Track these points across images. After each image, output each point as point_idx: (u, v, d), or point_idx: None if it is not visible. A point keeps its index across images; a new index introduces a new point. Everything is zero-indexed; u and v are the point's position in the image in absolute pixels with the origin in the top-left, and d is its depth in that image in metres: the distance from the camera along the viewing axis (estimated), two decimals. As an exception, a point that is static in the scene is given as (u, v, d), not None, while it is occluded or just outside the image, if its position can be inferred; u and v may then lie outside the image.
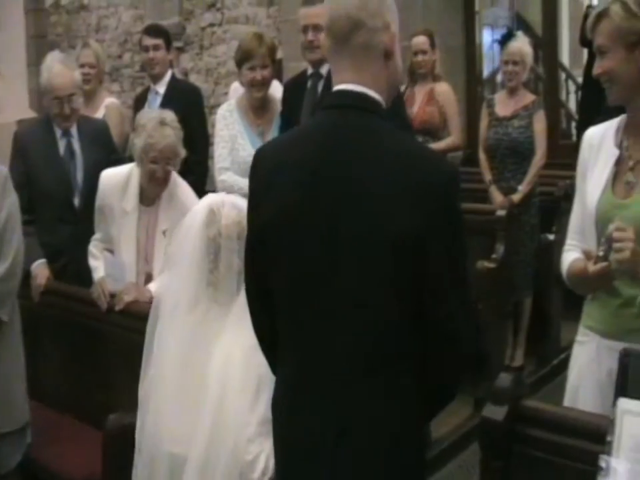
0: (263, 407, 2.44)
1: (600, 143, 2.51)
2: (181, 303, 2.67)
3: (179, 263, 2.69)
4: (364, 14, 1.90)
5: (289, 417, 2.03)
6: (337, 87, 1.96)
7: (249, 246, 2.12)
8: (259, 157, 2.08)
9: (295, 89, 4.42)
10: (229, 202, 2.65)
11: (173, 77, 5.40)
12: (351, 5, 1.91)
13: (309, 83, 4.32)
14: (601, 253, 2.27)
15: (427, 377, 1.94)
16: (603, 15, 2.35)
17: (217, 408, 2.53)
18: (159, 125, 3.66)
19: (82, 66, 5.35)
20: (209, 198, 2.73)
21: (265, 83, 4.43)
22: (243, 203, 2.37)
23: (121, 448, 3.07)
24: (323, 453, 1.94)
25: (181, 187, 3.83)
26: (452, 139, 5.69)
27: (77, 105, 4.30)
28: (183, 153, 3.74)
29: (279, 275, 2.00)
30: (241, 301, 2.40)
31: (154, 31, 5.49)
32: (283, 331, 2.05)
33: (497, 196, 5.37)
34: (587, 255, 2.35)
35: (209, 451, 2.50)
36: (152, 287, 3.61)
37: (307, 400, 1.98)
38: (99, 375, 3.69)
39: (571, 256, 2.54)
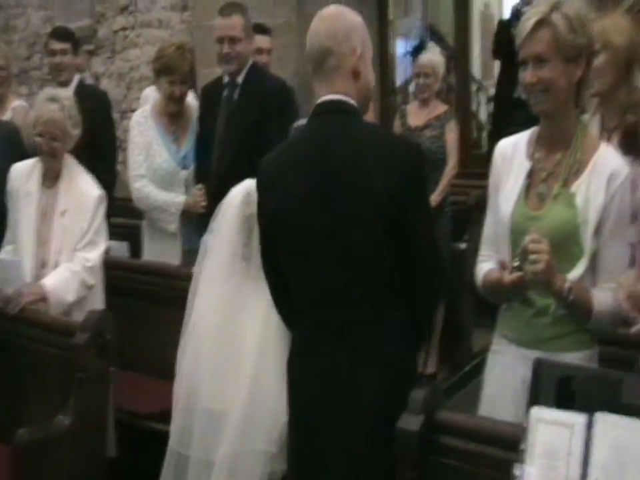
0: None
1: (512, 155, 2.54)
2: (217, 273, 2.98)
3: (217, 238, 3.00)
4: (332, 43, 2.37)
5: (305, 360, 2.49)
6: (319, 100, 2.43)
7: (263, 235, 2.59)
8: (264, 162, 2.58)
9: (211, 95, 4.42)
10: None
11: (81, 83, 5.28)
12: (323, 36, 2.38)
13: (225, 92, 4.32)
14: (515, 264, 2.31)
15: (411, 305, 2.40)
16: (543, 22, 2.35)
17: (254, 371, 2.82)
18: (47, 100, 3.76)
19: None
20: (247, 181, 3.04)
21: (183, 98, 4.45)
22: None
23: (30, 463, 2.99)
24: (337, 376, 2.39)
25: (81, 174, 3.87)
26: None
27: None
28: (73, 131, 3.79)
29: (290, 250, 2.48)
30: None
31: (61, 34, 5.35)
32: (296, 296, 2.51)
33: None
34: (502, 265, 2.39)
35: (249, 410, 2.79)
36: (47, 281, 3.63)
37: (319, 342, 2.43)
38: (7, 388, 3.58)
39: (485, 266, 2.57)
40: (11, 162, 4.21)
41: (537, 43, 2.36)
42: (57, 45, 5.21)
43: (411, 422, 2.20)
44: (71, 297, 3.65)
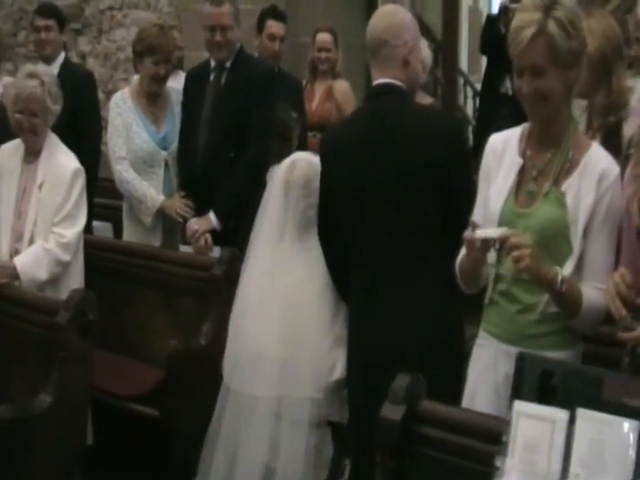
0: (339, 327, 3.08)
1: (503, 150, 2.54)
2: (264, 234, 3.23)
3: (266, 204, 3.25)
4: (387, 36, 2.83)
5: (364, 311, 2.90)
6: (375, 82, 2.89)
7: (322, 200, 3.01)
8: (327, 135, 3.32)
9: (197, 80, 4.41)
10: (306, 158, 3.22)
11: (66, 60, 5.23)
12: (380, 30, 2.86)
13: (212, 75, 4.30)
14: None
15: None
16: (538, 34, 2.32)
17: (292, 319, 3.09)
18: (26, 77, 3.77)
19: None
20: (295, 153, 3.37)
21: (167, 78, 4.46)
22: (316, 160, 3.11)
23: (8, 440, 2.99)
24: (392, 323, 2.82)
25: (61, 150, 3.87)
26: None
27: None
28: (53, 107, 3.79)
29: (347, 212, 2.91)
30: (313, 240, 3.09)
31: (46, 10, 5.31)
32: (351, 254, 2.93)
33: None
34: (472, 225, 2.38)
35: (294, 358, 3.05)
36: (18, 260, 3.63)
37: (374, 295, 2.86)
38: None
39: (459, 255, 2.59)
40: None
41: (534, 54, 2.34)
42: (41, 22, 5.17)
43: (392, 411, 2.21)
44: (43, 274, 3.63)
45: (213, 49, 4.27)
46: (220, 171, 4.17)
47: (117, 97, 4.55)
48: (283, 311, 3.11)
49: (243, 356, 3.16)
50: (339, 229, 2.96)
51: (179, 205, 4.31)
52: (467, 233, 2.35)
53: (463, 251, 2.52)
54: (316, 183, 3.06)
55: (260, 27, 5.22)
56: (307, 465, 3.06)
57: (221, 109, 4.24)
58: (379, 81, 2.87)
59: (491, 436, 2.06)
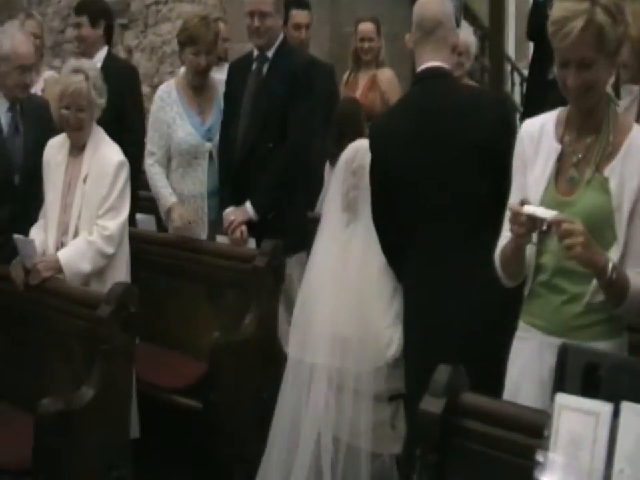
0: (397, 305, 3.18)
1: (540, 136, 2.46)
2: (331, 219, 3.39)
3: (330, 190, 3.46)
4: (443, 17, 2.91)
5: (419, 289, 2.99)
6: (423, 66, 2.94)
7: (375, 182, 3.09)
8: (378, 117, 3.58)
9: (239, 70, 4.38)
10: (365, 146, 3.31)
11: (109, 55, 5.21)
12: (436, 10, 2.91)
13: (254, 65, 4.28)
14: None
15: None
16: (588, 25, 2.22)
17: (357, 298, 3.23)
18: (71, 72, 3.78)
19: None
20: (357, 141, 3.45)
21: (209, 69, 4.43)
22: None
23: (53, 433, 3.00)
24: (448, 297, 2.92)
25: (106, 142, 3.88)
26: None
27: (33, 78, 4.21)
28: (99, 101, 3.79)
29: (401, 193, 2.98)
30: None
31: (79, 7, 5.31)
32: (406, 237, 3.00)
33: None
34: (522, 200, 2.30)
35: (356, 331, 3.18)
36: (61, 253, 3.64)
37: (430, 272, 2.96)
38: (32, 358, 3.60)
39: (501, 244, 2.51)
40: (40, 135, 4.23)
41: (583, 47, 2.24)
42: (75, 19, 5.25)
43: (433, 404, 2.17)
44: (86, 266, 3.63)
45: (252, 35, 4.23)
46: (258, 162, 4.14)
47: (161, 90, 4.55)
48: (350, 290, 3.24)
49: (311, 332, 3.29)
50: (394, 211, 3.04)
51: (186, 212, 4.27)
52: (514, 205, 2.28)
53: (503, 241, 2.47)
54: (364, 168, 3.20)
55: (284, 17, 5.13)
56: (379, 438, 3.17)
57: (261, 99, 4.21)
58: (428, 64, 2.94)
59: (533, 429, 2.01)
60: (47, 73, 5.34)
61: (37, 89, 5.14)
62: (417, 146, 2.85)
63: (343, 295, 3.25)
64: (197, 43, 4.33)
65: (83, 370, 3.29)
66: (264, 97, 4.18)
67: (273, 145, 4.14)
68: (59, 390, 3.30)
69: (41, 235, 3.84)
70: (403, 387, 3.15)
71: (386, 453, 3.20)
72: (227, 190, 4.29)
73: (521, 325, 2.52)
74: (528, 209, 2.24)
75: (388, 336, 3.17)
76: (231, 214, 4.18)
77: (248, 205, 4.16)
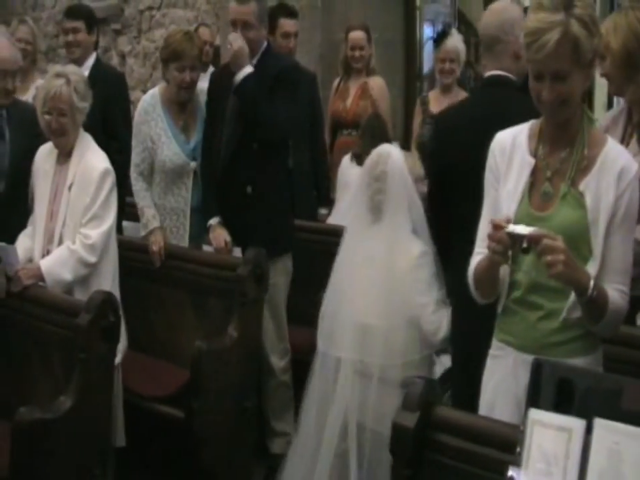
0: (436, 292, 3.40)
1: (512, 149, 2.42)
2: (358, 219, 3.58)
3: (353, 193, 3.71)
4: (500, 32, 3.06)
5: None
6: (487, 73, 3.16)
7: (433, 181, 3.32)
8: (441, 119, 3.53)
9: (220, 79, 4.30)
10: (388, 151, 3.56)
11: (97, 62, 5.17)
12: (493, 26, 3.09)
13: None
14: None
15: None
16: (563, 38, 2.18)
17: (391, 290, 3.39)
18: (53, 76, 3.75)
19: (18, 41, 5.17)
20: (381, 146, 3.65)
21: (194, 85, 4.35)
22: (396, 151, 3.57)
23: (30, 441, 2.98)
24: None
25: (92, 149, 3.83)
26: None
27: (17, 84, 4.16)
28: (81, 105, 3.74)
29: (458, 192, 3.06)
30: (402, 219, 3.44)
31: (74, 12, 5.25)
32: (458, 226, 3.06)
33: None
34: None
35: (388, 322, 3.34)
36: (43, 262, 3.62)
37: None
38: (11, 365, 3.57)
39: (473, 262, 2.47)
40: (26, 142, 4.21)
41: (559, 60, 2.21)
42: (69, 24, 5.14)
43: (406, 418, 2.15)
44: (67, 275, 3.60)
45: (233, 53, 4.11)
46: (244, 163, 4.11)
47: (146, 101, 4.44)
48: (383, 283, 3.39)
49: (339, 325, 3.44)
50: (448, 201, 3.14)
51: (162, 241, 4.23)
52: (498, 221, 2.22)
53: (476, 258, 2.44)
54: (390, 172, 3.45)
55: (272, 26, 5.07)
56: None
57: (243, 101, 4.09)
58: (491, 72, 3.14)
59: (506, 444, 2.00)
60: (39, 81, 5.30)
61: (28, 96, 5.13)
62: (474, 147, 2.77)
63: (370, 289, 3.39)
64: (181, 58, 4.25)
65: (63, 379, 3.26)
66: (247, 97, 4.08)
67: (258, 146, 4.11)
68: (39, 398, 3.28)
69: (27, 243, 3.82)
70: (426, 374, 3.31)
71: None
72: (211, 200, 4.24)
73: (495, 342, 2.48)
74: (509, 228, 2.18)
75: (436, 320, 3.36)
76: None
77: None
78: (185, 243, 4.34)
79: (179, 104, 4.36)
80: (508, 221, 2.21)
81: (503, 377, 2.42)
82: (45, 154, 3.90)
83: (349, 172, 5.21)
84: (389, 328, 3.34)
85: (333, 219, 5.18)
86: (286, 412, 4.32)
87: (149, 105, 4.40)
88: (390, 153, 3.53)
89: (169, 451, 3.82)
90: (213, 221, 4.17)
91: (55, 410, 3.09)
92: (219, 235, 4.13)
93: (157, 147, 4.32)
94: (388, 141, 5.12)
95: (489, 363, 2.49)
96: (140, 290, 4.15)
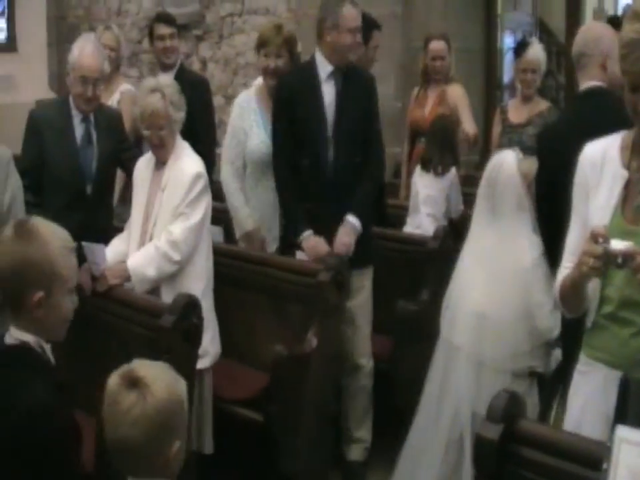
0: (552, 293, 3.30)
1: (603, 162, 2.39)
2: (477, 219, 3.70)
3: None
4: (585, 49, 3.39)
5: None
6: (583, 85, 3.45)
7: (540, 187, 3.46)
8: (544, 132, 3.89)
9: (302, 81, 4.28)
10: (508, 158, 3.63)
11: (182, 67, 5.32)
12: (578, 44, 3.43)
13: (327, 78, 4.17)
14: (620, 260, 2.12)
15: None
16: None
17: (514, 285, 3.47)
18: (148, 92, 3.82)
19: (103, 47, 5.34)
20: (503, 153, 3.75)
21: (278, 72, 4.41)
22: (510, 158, 3.60)
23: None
24: None
25: (187, 154, 3.89)
26: (469, 126, 5.70)
27: (99, 91, 4.29)
28: (177, 115, 3.82)
29: (560, 199, 2.85)
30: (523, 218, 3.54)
31: (169, 19, 5.43)
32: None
33: None
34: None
35: (505, 312, 3.43)
36: (130, 261, 3.69)
37: None
38: (94, 364, 3.64)
39: (561, 276, 2.44)
40: (112, 146, 4.34)
41: None
42: (166, 30, 5.28)
43: (490, 431, 2.14)
44: (152, 272, 3.65)
45: (350, 51, 4.18)
46: (350, 177, 4.15)
47: (241, 97, 4.61)
48: (506, 278, 3.48)
49: (464, 315, 3.56)
50: (554, 208, 3.12)
51: (257, 242, 4.39)
52: (597, 234, 2.16)
53: (563, 272, 2.42)
54: (516, 179, 3.52)
55: (366, 37, 5.10)
56: None
57: (346, 116, 4.16)
58: (584, 85, 3.44)
59: (592, 461, 1.97)
60: (124, 86, 5.44)
61: (113, 101, 5.27)
62: (574, 156, 2.74)
63: (491, 281, 3.52)
64: (266, 45, 4.41)
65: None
66: (349, 112, 4.14)
67: (359, 160, 4.16)
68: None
69: (120, 247, 3.91)
70: (539, 365, 3.47)
71: None
72: (299, 214, 4.18)
73: (583, 358, 2.44)
74: (605, 244, 2.13)
75: (551, 322, 3.42)
76: (345, 235, 4.11)
77: (355, 220, 4.12)
78: (276, 233, 4.42)
79: (271, 96, 4.41)
80: (604, 236, 2.16)
81: (591, 394, 2.38)
82: (144, 164, 4.00)
83: (417, 180, 5.25)
84: (504, 319, 3.43)
85: (410, 228, 5.20)
86: (365, 418, 4.34)
87: (243, 100, 4.55)
88: (504, 160, 3.62)
89: (247, 455, 3.85)
90: (307, 234, 4.12)
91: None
92: (317, 243, 4.11)
93: (247, 137, 4.42)
94: (454, 144, 5.29)
95: (577, 379, 2.45)
96: (220, 293, 4.20)
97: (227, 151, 4.52)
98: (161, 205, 3.78)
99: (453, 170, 5.24)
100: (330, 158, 4.13)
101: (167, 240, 3.67)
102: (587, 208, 2.41)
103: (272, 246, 4.50)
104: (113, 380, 2.03)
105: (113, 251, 3.84)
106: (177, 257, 3.68)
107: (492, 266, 3.55)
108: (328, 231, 4.11)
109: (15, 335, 2.31)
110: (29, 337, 2.30)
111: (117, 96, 5.36)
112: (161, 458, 1.99)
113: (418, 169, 5.31)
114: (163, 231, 3.72)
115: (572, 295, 2.40)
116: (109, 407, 2.00)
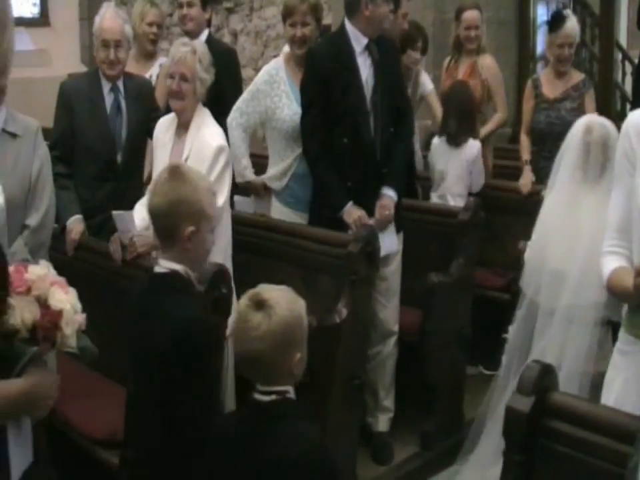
0: None
1: None
2: (566, 177, 3.67)
3: (565, 155, 3.70)
4: None
5: None
6: None
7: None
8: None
9: (334, 49, 4.20)
10: (600, 121, 3.65)
11: (210, 37, 5.22)
12: None
13: (362, 50, 4.12)
14: None
15: None
16: None
17: (589, 242, 3.38)
18: (180, 44, 3.87)
19: (150, 24, 5.38)
20: (587, 116, 3.85)
21: (305, 40, 4.38)
22: (609, 123, 3.62)
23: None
24: None
25: (209, 124, 3.87)
26: (499, 115, 5.68)
27: (122, 55, 4.27)
28: (203, 75, 3.80)
29: None
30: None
31: None
32: None
33: (527, 175, 5.24)
34: (637, 272, 2.13)
35: (587, 268, 3.37)
36: None
37: None
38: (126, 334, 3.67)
39: (611, 262, 2.37)
40: (141, 114, 4.34)
41: None
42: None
43: (520, 403, 2.12)
44: None
45: (387, 21, 4.22)
46: (386, 148, 4.14)
47: (270, 65, 4.57)
48: (586, 234, 3.44)
49: (545, 272, 3.61)
50: None
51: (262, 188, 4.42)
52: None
53: (611, 261, 2.38)
54: (611, 141, 3.46)
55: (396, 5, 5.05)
56: (589, 359, 3.41)
57: (384, 87, 4.13)
58: None
59: (626, 435, 1.94)
60: (162, 59, 5.42)
61: (152, 73, 5.27)
62: None
63: (573, 239, 3.52)
64: (292, 14, 4.38)
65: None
66: (384, 85, 4.12)
67: (393, 130, 4.15)
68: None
69: (144, 212, 3.89)
70: (614, 314, 3.34)
71: (595, 370, 3.36)
72: (339, 186, 4.13)
73: (624, 336, 2.40)
74: None
75: None
76: (383, 209, 4.10)
77: (391, 192, 4.12)
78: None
79: (300, 66, 4.38)
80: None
81: (633, 373, 2.33)
82: (165, 125, 3.97)
83: (434, 153, 5.21)
84: (584, 271, 3.42)
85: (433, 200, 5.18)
86: (391, 387, 4.36)
87: (272, 68, 4.51)
88: (606, 123, 3.62)
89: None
90: (348, 206, 4.08)
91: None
92: (362, 216, 4.07)
93: (275, 107, 4.39)
94: (469, 112, 5.22)
95: (616, 359, 2.41)
96: (249, 264, 4.19)
97: (240, 102, 4.51)
98: None
99: (476, 144, 5.18)
100: (370, 134, 4.09)
101: None
102: (633, 179, 2.34)
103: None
104: (243, 302, 2.33)
105: (137, 217, 3.85)
106: None
107: (591, 224, 3.44)
108: (368, 204, 4.10)
109: (165, 264, 2.67)
110: (177, 267, 2.65)
111: (156, 69, 5.36)
112: (284, 367, 2.30)
113: (435, 141, 5.26)
114: None
115: (625, 297, 2.37)
116: (239, 325, 2.32)
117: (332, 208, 4.13)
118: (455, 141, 5.16)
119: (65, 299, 2.11)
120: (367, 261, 3.84)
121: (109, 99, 4.31)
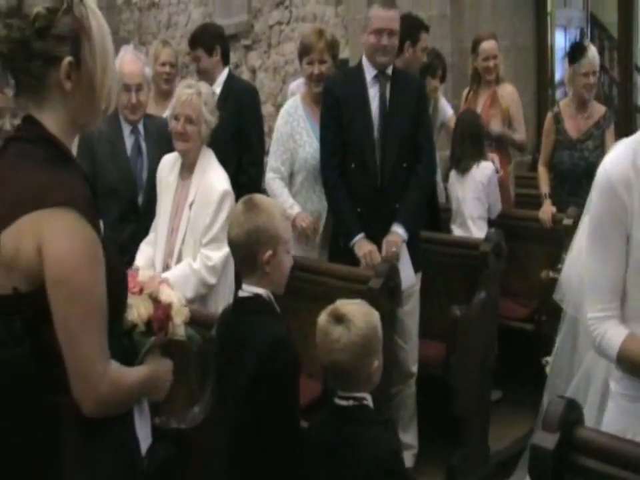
0: None
1: (637, 180, 2.13)
2: None
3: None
4: None
5: None
6: None
7: None
8: None
9: (346, 86, 4.24)
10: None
11: (229, 76, 5.25)
12: None
13: (373, 82, 4.16)
14: None
15: None
16: None
17: None
18: (185, 86, 3.85)
19: (163, 64, 5.41)
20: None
21: (322, 78, 4.40)
22: None
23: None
24: None
25: (214, 168, 3.87)
26: (518, 136, 5.63)
27: (143, 97, 4.31)
28: (208, 117, 3.80)
29: None
30: None
31: (192, 41, 5.36)
32: None
33: (548, 208, 5.18)
34: None
35: None
36: (169, 274, 3.63)
37: None
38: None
39: (616, 332, 2.22)
40: (161, 155, 4.35)
41: None
42: (192, 53, 5.37)
43: (546, 439, 2.07)
44: (189, 292, 3.63)
45: (377, 52, 4.10)
46: (398, 184, 4.13)
47: (288, 104, 4.58)
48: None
49: (580, 287, 3.54)
50: None
51: (307, 224, 4.33)
52: None
53: (612, 327, 2.24)
54: None
55: (414, 40, 5.07)
56: None
57: (393, 120, 4.14)
58: None
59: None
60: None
61: (167, 113, 5.31)
62: None
63: None
64: (310, 51, 4.41)
65: (198, 390, 3.32)
66: (396, 117, 4.12)
67: (407, 165, 4.13)
68: (175, 404, 3.35)
69: (148, 251, 3.94)
70: None
71: None
72: (354, 216, 4.14)
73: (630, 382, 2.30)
74: None
75: None
76: (389, 246, 4.07)
77: (400, 229, 4.09)
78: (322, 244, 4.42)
79: (318, 104, 4.38)
80: None
81: None
82: (169, 165, 3.98)
83: (452, 183, 5.20)
84: None
85: (456, 232, 5.14)
86: (412, 424, 4.34)
87: (290, 107, 4.53)
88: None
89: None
90: (358, 238, 4.10)
91: (190, 420, 3.16)
92: (372, 251, 4.06)
93: (298, 145, 4.40)
94: (476, 136, 5.16)
95: (624, 405, 2.33)
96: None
97: (273, 158, 4.49)
98: (189, 221, 3.79)
99: (488, 164, 5.13)
100: (376, 162, 4.10)
101: (205, 265, 3.71)
102: (623, 240, 2.18)
103: (324, 253, 4.48)
104: (323, 317, 2.59)
105: (142, 256, 3.87)
106: (213, 281, 3.76)
107: None
108: (378, 237, 4.08)
109: (248, 289, 2.80)
110: (259, 290, 2.79)
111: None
112: (363, 374, 2.53)
113: (453, 173, 5.24)
114: (192, 249, 3.75)
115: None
116: (321, 339, 2.57)
117: (345, 237, 4.15)
118: (459, 166, 5.13)
119: (172, 293, 2.36)
120: (389, 297, 3.82)
121: (129, 141, 4.36)
